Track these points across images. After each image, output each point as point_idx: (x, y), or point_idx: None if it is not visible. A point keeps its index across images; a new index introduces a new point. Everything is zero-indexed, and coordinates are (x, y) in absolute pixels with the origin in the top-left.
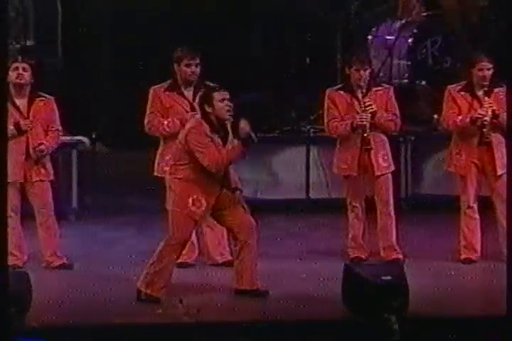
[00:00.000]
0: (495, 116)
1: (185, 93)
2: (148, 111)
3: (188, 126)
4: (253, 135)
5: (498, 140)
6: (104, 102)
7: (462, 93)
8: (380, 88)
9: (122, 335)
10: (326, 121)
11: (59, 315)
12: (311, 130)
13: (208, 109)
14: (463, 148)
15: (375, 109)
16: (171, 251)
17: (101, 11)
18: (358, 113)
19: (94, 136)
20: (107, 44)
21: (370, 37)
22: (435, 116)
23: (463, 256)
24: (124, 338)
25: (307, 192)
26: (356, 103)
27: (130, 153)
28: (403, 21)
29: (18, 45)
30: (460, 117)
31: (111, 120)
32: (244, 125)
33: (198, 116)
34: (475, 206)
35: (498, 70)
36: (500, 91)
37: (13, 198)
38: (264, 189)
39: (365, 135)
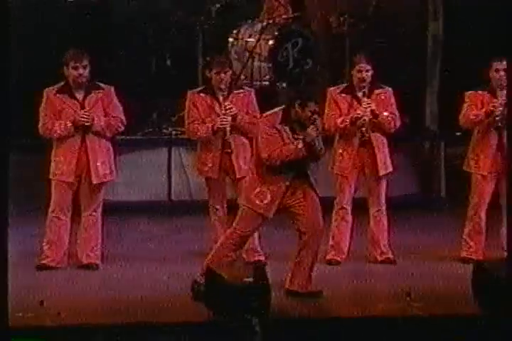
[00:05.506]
0: (374, 115)
1: (77, 95)
2: (41, 114)
3: (263, 115)
4: (318, 144)
5: (379, 140)
6: None
7: (343, 95)
8: (241, 91)
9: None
10: (186, 123)
11: None
12: (173, 132)
13: (298, 109)
14: (345, 149)
15: (236, 111)
16: (231, 244)
17: None
18: (218, 115)
19: None
20: None
21: (231, 39)
22: None
23: (329, 257)
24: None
25: (169, 194)
26: (217, 105)
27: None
28: (264, 23)
29: None
30: (341, 119)
31: None
32: (311, 131)
33: (281, 107)
34: (349, 208)
35: (378, 72)
36: (381, 92)
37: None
38: (125, 191)
39: (225, 138)
